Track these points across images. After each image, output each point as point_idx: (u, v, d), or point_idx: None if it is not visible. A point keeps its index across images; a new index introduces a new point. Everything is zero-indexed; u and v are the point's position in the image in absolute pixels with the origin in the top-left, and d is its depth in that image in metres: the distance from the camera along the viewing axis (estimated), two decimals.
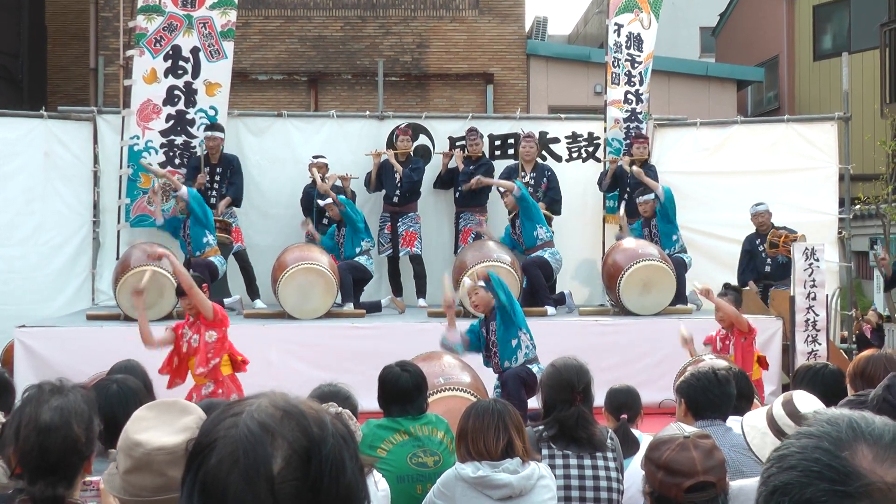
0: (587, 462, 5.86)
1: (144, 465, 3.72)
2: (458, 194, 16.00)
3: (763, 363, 11.06)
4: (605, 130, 16.71)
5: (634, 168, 15.40)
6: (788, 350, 13.25)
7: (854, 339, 16.51)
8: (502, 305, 10.39)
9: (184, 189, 13.98)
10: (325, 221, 15.32)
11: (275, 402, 1.88)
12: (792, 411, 5.04)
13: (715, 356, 9.20)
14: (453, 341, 10.43)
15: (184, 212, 14.11)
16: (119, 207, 15.54)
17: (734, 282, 14.74)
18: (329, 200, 14.59)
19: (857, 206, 20.42)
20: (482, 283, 10.57)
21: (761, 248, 14.87)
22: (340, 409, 5.01)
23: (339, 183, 15.33)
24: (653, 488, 4.25)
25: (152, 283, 13.26)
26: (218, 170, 15.15)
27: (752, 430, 5.18)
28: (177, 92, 15.30)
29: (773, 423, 5.07)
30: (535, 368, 10.36)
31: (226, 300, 13.81)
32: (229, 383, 9.78)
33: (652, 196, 14.99)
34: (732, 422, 5.92)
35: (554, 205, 15.63)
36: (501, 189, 15.04)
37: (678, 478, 4.14)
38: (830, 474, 1.69)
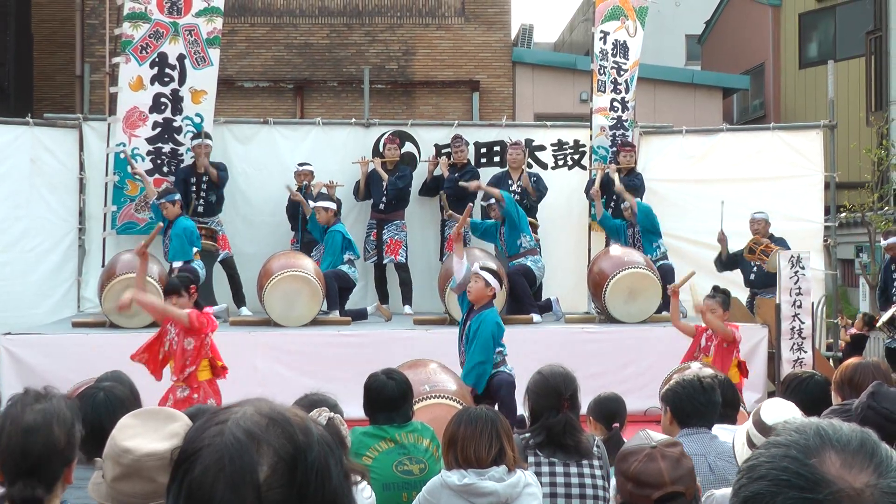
0: (573, 469, 5.86)
1: (134, 472, 3.72)
2: (443, 202, 16.00)
3: (743, 369, 11.02)
4: (591, 138, 16.72)
5: (617, 187, 15.40)
6: (774, 358, 13.28)
7: (840, 347, 16.56)
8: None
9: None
10: (309, 228, 15.30)
11: (260, 410, 1.87)
12: (758, 421, 5.07)
13: (701, 363, 9.22)
14: (457, 272, 10.43)
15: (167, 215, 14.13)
16: (105, 215, 15.49)
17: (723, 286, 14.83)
18: (320, 203, 14.57)
19: (843, 214, 20.43)
20: (487, 278, 10.46)
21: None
22: (332, 414, 5.01)
23: (324, 190, 15.33)
24: (624, 499, 4.26)
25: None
26: (204, 178, 15.10)
27: (737, 441, 5.21)
28: (163, 99, 15.26)
29: (748, 436, 5.11)
30: (507, 371, 10.35)
31: (213, 308, 13.79)
32: (207, 388, 9.70)
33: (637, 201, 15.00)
34: (718, 429, 5.93)
35: (539, 199, 15.72)
36: (487, 201, 14.94)
37: (647, 489, 4.14)
38: (799, 482, 1.70)
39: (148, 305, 10.10)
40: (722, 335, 10.72)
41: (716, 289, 11.38)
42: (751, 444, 5.04)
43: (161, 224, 13.62)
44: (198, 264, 14.06)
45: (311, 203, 14.80)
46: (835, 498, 1.68)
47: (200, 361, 9.75)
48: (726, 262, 15.22)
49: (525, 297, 14.34)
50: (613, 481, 5.91)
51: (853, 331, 17.70)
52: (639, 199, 15.12)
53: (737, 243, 15.18)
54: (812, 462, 1.72)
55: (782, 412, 5.07)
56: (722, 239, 15.13)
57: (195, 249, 14.08)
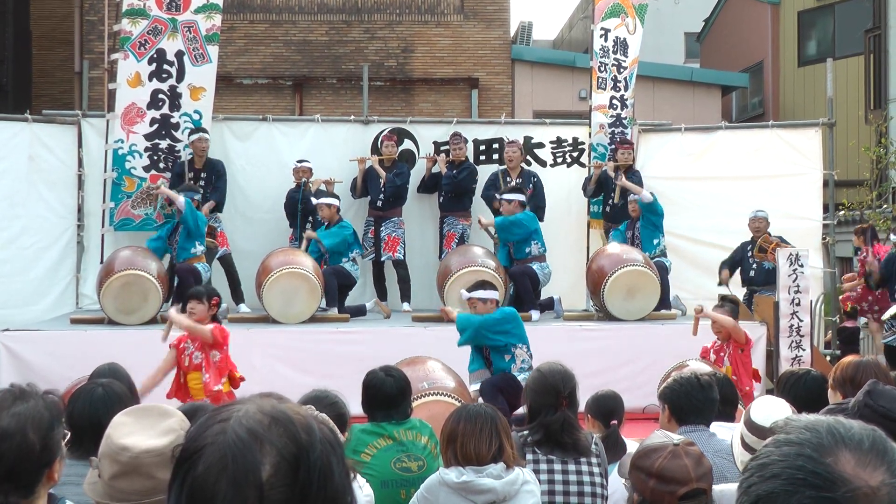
0: (571, 467, 5.86)
1: (132, 469, 3.71)
2: (441, 199, 16.01)
3: (756, 376, 11.05)
4: (590, 136, 16.71)
5: (620, 181, 15.38)
6: (772, 356, 13.28)
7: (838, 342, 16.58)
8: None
9: (181, 199, 13.95)
10: (308, 226, 15.30)
11: (262, 408, 1.87)
12: (748, 421, 5.09)
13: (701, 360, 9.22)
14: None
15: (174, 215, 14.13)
16: (103, 211, 15.47)
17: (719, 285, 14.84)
18: (322, 200, 14.57)
19: (842, 212, 20.43)
20: (479, 295, 10.54)
21: (750, 255, 14.89)
22: (317, 413, 5.00)
23: (323, 188, 15.33)
24: (643, 496, 4.25)
25: (136, 287, 13.29)
26: (203, 174, 15.11)
27: (734, 441, 5.23)
28: (161, 96, 15.25)
29: (741, 437, 5.12)
30: (520, 377, 10.35)
31: None
32: (226, 400, 9.73)
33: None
34: (717, 427, 5.93)
35: (538, 211, 15.56)
36: (504, 197, 14.87)
37: (672, 485, 4.14)
38: (816, 481, 1.70)
39: (179, 323, 10.08)
40: (734, 335, 10.76)
41: (723, 298, 11.39)
42: (745, 445, 5.05)
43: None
44: (202, 266, 14.06)
45: (314, 200, 14.81)
46: (853, 496, 1.68)
47: (227, 373, 9.83)
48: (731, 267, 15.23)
49: (526, 295, 14.33)
50: (612, 479, 5.95)
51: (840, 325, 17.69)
52: (653, 193, 15.08)
53: (736, 241, 15.18)
54: (828, 461, 1.72)
55: (773, 411, 5.07)
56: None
57: (201, 249, 14.08)
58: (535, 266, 14.44)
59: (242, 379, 10.09)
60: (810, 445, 1.76)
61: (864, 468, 1.72)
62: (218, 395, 9.68)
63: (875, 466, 1.72)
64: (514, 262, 14.55)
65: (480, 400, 9.50)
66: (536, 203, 15.64)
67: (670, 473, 4.16)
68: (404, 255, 15.69)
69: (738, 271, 15.17)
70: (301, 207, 15.26)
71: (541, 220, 15.46)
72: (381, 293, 15.78)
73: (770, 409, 5.14)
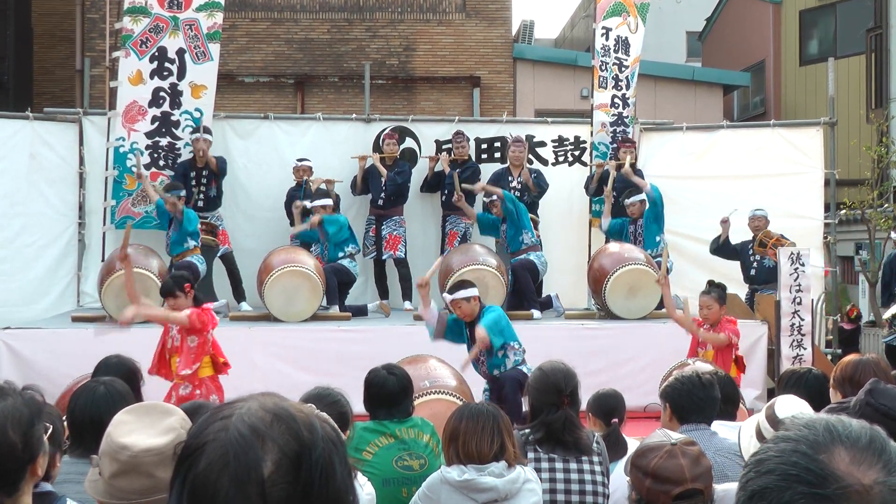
0: (573, 466, 5.85)
1: (132, 468, 3.70)
2: (444, 198, 16.00)
3: (740, 364, 11.00)
4: (592, 134, 16.70)
5: (624, 169, 15.36)
6: (774, 354, 13.27)
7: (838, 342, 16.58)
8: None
9: (154, 197, 13.94)
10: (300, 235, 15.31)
11: (264, 406, 1.87)
12: (771, 415, 5.07)
13: (700, 359, 9.21)
14: (429, 322, 10.45)
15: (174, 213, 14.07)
16: (104, 209, 15.47)
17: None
18: (319, 202, 14.55)
19: (843, 212, 20.38)
20: (463, 295, 10.45)
21: (750, 253, 14.88)
22: (317, 411, 4.98)
23: (323, 186, 15.32)
24: (640, 495, 4.25)
25: (137, 286, 13.25)
26: (204, 172, 15.10)
27: (744, 433, 5.21)
28: (162, 93, 15.25)
29: (758, 430, 5.10)
30: (524, 369, 10.34)
31: (213, 304, 13.76)
32: (209, 384, 9.70)
33: (640, 198, 14.97)
34: (718, 426, 5.93)
35: (539, 197, 15.75)
36: (489, 198, 14.94)
37: (667, 485, 4.14)
38: (808, 477, 1.70)
39: (151, 317, 10.12)
40: (716, 345, 10.74)
41: (711, 283, 11.36)
42: (760, 437, 5.04)
43: (131, 223, 13.43)
44: (197, 259, 14.04)
45: (307, 203, 14.78)
46: (844, 493, 1.68)
47: (203, 358, 9.74)
48: (721, 246, 15.18)
49: (528, 291, 14.36)
50: (614, 476, 5.95)
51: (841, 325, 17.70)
52: (652, 183, 15.06)
53: (736, 240, 15.16)
54: (821, 458, 1.72)
55: (797, 409, 5.07)
56: (726, 223, 15.05)
57: (193, 243, 14.06)
58: (532, 256, 14.48)
59: (227, 365, 9.97)
60: (806, 442, 1.76)
61: (857, 466, 1.72)
62: (191, 378, 9.65)
63: (870, 464, 1.72)
64: (510, 254, 14.59)
65: (481, 397, 9.49)
66: (540, 186, 15.74)
67: (665, 473, 4.16)
68: (405, 254, 15.68)
69: (737, 266, 15.17)
70: (302, 205, 15.24)
71: (536, 208, 15.57)
72: (383, 292, 15.79)
73: (795, 406, 5.13)
